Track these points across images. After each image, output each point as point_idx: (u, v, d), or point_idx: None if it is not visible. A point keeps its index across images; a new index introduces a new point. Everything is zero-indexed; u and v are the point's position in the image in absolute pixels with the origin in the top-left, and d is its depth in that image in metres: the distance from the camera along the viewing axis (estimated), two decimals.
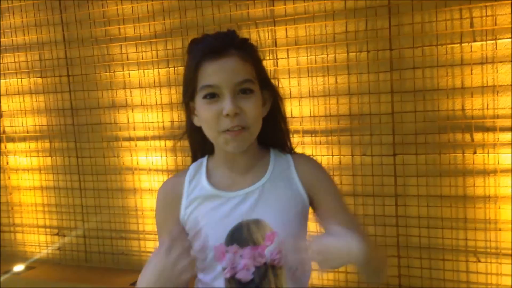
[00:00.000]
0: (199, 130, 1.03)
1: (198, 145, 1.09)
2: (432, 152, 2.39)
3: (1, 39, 3.35)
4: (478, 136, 2.31)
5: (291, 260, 0.96)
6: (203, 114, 0.98)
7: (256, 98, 0.99)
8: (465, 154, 2.34)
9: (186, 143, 1.14)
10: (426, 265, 2.45)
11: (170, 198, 1.06)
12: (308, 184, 1.04)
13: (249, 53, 1.00)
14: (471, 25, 2.26)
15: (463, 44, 2.28)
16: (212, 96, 0.96)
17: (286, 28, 2.58)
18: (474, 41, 2.27)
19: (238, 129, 0.96)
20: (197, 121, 1.03)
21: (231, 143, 0.97)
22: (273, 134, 1.08)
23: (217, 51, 0.96)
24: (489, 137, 2.29)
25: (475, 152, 2.33)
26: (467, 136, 2.33)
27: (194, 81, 0.98)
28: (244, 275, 0.97)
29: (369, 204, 2.53)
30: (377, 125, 2.46)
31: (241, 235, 0.98)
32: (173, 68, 2.87)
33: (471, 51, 2.27)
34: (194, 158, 1.11)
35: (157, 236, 1.10)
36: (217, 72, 0.95)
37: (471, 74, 2.28)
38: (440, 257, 2.42)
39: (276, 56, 2.61)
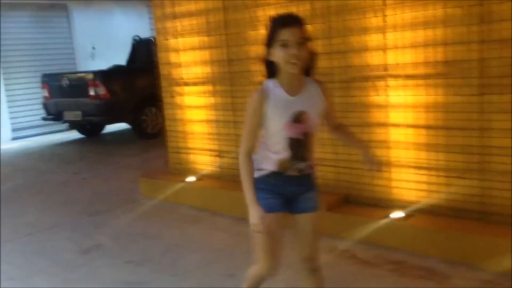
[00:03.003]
0: (271, 62, 1.90)
1: (270, 70, 1.93)
2: None
3: (178, 8, 4.43)
4: None
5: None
6: (279, 53, 1.84)
7: (306, 47, 1.86)
8: None
9: None
10: None
11: (261, 97, 1.91)
12: (324, 96, 2.01)
13: (303, 25, 1.86)
14: None
15: None
16: (285, 45, 1.83)
17: None
18: None
19: (296, 62, 1.84)
20: (271, 57, 1.88)
21: (292, 68, 1.85)
22: (307, 68, 1.95)
23: (291, 23, 1.84)
24: None
25: None
26: None
27: (274, 36, 1.84)
28: (300, 136, 1.96)
29: (458, 136, 3.05)
30: (467, 70, 2.94)
31: (296, 118, 1.92)
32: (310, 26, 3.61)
33: None
34: (266, 77, 1.97)
35: None
36: (288, 34, 1.83)
37: None
38: None
39: (384, 14, 3.20)
